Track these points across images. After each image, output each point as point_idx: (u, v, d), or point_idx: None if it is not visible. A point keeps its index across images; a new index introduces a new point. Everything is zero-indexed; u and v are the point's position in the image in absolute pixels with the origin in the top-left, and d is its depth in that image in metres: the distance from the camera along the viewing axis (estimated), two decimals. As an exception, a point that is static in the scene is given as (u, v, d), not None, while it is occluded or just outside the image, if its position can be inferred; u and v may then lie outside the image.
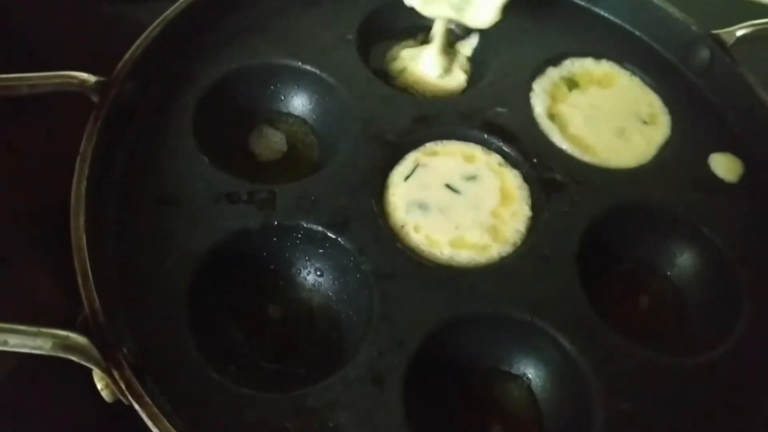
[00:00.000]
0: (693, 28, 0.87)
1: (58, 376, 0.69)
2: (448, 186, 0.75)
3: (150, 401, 0.58)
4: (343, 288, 0.71)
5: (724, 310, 0.72)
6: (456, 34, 0.89)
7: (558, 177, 0.76)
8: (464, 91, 0.85)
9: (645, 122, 0.82)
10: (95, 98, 0.72)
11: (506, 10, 0.82)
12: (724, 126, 0.84)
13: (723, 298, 0.73)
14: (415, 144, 0.78)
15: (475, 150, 0.78)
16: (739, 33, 0.85)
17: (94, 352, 0.58)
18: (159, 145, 0.74)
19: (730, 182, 0.79)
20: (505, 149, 0.78)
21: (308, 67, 0.81)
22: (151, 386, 0.60)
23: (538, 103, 0.82)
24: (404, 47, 0.89)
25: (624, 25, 0.91)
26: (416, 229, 0.72)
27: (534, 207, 0.75)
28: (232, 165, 0.76)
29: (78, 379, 0.61)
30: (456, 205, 0.74)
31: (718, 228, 0.75)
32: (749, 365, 0.68)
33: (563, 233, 0.73)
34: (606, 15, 0.92)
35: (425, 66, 0.85)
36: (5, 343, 0.56)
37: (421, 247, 0.71)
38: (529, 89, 0.83)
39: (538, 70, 0.85)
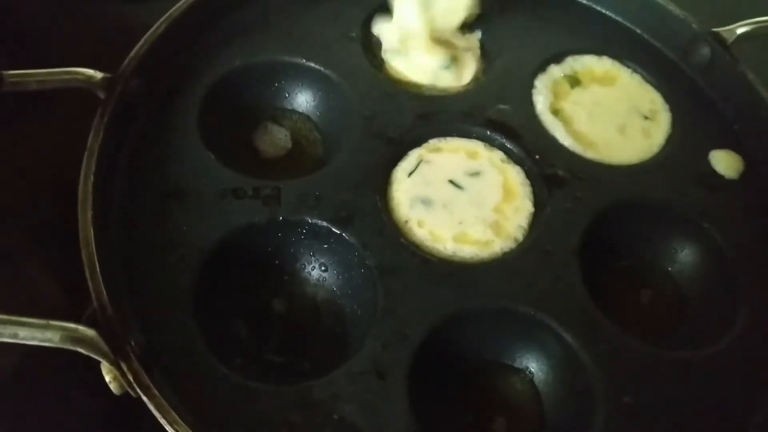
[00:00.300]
0: (693, 25, 0.87)
1: (66, 370, 0.69)
2: (451, 182, 0.76)
3: (157, 393, 0.59)
4: (348, 283, 0.71)
5: (725, 306, 0.73)
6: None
7: (560, 173, 0.77)
8: (467, 88, 0.85)
9: (646, 119, 0.83)
10: (102, 94, 0.72)
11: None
12: (724, 123, 0.84)
13: (723, 293, 0.74)
14: (418, 141, 0.78)
15: (478, 146, 0.78)
16: (740, 31, 0.85)
17: (103, 344, 0.58)
18: (165, 140, 0.75)
19: (730, 178, 0.80)
20: (508, 146, 0.79)
21: (312, 65, 0.81)
22: (159, 378, 0.60)
23: (540, 100, 0.82)
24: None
25: (625, 23, 0.91)
26: (420, 224, 0.73)
27: (536, 203, 0.76)
28: (237, 161, 0.76)
29: (85, 372, 0.62)
30: (459, 201, 0.74)
31: (718, 224, 0.76)
32: (750, 359, 0.69)
33: (565, 229, 0.73)
34: (607, 13, 0.92)
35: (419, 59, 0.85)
36: (15, 335, 0.56)
37: (425, 242, 0.72)
38: (532, 86, 0.83)
39: (540, 68, 0.85)
